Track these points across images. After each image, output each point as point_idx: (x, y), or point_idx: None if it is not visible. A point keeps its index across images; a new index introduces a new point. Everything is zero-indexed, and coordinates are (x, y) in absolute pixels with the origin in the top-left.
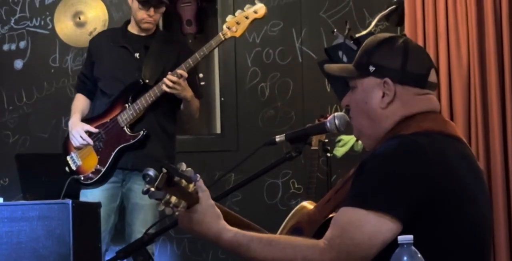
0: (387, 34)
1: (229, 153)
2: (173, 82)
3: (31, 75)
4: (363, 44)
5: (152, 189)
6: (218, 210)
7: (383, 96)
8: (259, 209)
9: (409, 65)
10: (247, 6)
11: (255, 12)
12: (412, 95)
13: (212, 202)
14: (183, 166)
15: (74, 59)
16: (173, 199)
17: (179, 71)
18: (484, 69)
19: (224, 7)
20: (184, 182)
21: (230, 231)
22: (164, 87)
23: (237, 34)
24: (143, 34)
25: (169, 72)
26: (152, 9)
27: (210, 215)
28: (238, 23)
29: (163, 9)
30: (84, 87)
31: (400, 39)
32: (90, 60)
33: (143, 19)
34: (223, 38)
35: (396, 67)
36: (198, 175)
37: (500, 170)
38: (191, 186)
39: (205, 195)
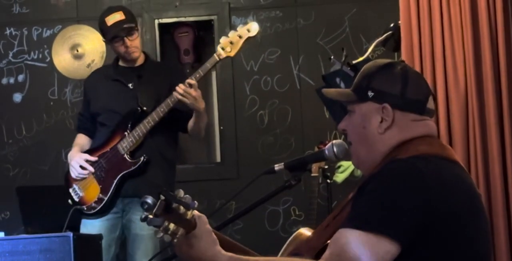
0: (386, 60)
1: (229, 181)
2: (184, 90)
3: (30, 108)
4: (362, 69)
5: (151, 216)
6: (215, 236)
7: (381, 121)
8: (260, 237)
9: (408, 91)
10: (240, 25)
11: (248, 30)
12: (410, 120)
13: (210, 228)
14: (181, 193)
15: (72, 91)
16: (172, 226)
17: (188, 80)
18: (481, 92)
19: (221, 35)
20: (182, 208)
21: (225, 256)
22: (176, 94)
23: (232, 54)
24: (134, 65)
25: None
26: (125, 39)
27: (206, 240)
28: (232, 43)
29: (136, 34)
30: (83, 127)
31: (399, 65)
32: (86, 98)
33: (125, 52)
34: (217, 59)
35: (396, 93)
36: (196, 202)
37: (500, 195)
38: (189, 213)
39: (202, 221)
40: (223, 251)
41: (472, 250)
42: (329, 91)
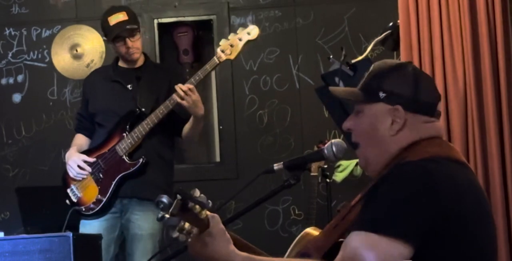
0: (395, 61)
1: (229, 181)
2: (184, 92)
3: (29, 108)
4: (372, 69)
5: (167, 215)
6: (228, 236)
7: (392, 123)
8: (260, 236)
9: (420, 94)
10: (240, 28)
11: (248, 33)
12: (421, 122)
13: (223, 227)
14: (197, 192)
15: (72, 92)
16: (187, 225)
17: (187, 85)
18: (480, 91)
19: (220, 35)
20: (197, 208)
21: (240, 255)
22: (176, 98)
23: (232, 57)
24: (133, 67)
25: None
26: (127, 40)
27: (220, 239)
28: (232, 46)
29: (138, 35)
30: (82, 126)
31: (410, 67)
32: (85, 98)
33: (126, 52)
34: (217, 62)
35: (408, 95)
36: (210, 201)
37: (499, 193)
38: (204, 212)
39: (215, 220)
40: (237, 251)
41: (480, 253)
42: (337, 90)
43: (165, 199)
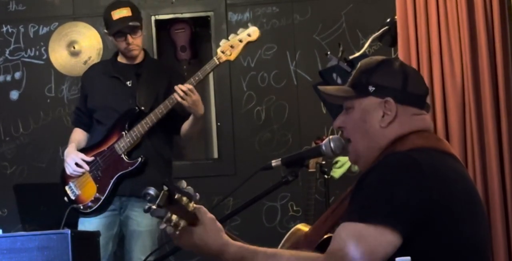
0: (382, 57)
1: (226, 177)
2: (184, 92)
3: (27, 106)
4: (359, 65)
5: (154, 207)
6: (220, 224)
7: (383, 116)
8: (258, 233)
9: (409, 86)
10: (240, 29)
11: (249, 35)
12: (410, 115)
13: (212, 216)
14: (183, 184)
15: (69, 89)
16: (174, 217)
17: (186, 85)
18: (478, 87)
19: (218, 32)
20: (184, 200)
21: (234, 245)
22: (177, 97)
23: (232, 58)
24: (132, 63)
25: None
26: (129, 36)
27: (212, 228)
28: (232, 47)
29: (139, 32)
30: (80, 121)
31: (397, 61)
32: (83, 93)
33: (126, 48)
34: (217, 63)
35: (397, 87)
36: (197, 194)
37: (497, 189)
38: (191, 204)
39: (202, 211)
40: (231, 241)
41: (469, 241)
42: (327, 88)
43: (152, 191)
